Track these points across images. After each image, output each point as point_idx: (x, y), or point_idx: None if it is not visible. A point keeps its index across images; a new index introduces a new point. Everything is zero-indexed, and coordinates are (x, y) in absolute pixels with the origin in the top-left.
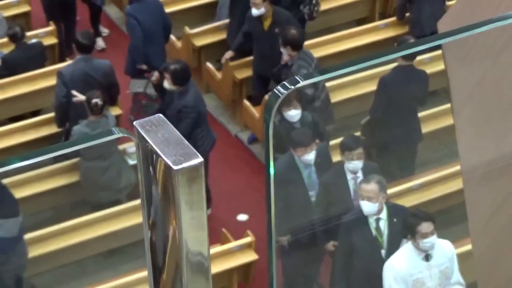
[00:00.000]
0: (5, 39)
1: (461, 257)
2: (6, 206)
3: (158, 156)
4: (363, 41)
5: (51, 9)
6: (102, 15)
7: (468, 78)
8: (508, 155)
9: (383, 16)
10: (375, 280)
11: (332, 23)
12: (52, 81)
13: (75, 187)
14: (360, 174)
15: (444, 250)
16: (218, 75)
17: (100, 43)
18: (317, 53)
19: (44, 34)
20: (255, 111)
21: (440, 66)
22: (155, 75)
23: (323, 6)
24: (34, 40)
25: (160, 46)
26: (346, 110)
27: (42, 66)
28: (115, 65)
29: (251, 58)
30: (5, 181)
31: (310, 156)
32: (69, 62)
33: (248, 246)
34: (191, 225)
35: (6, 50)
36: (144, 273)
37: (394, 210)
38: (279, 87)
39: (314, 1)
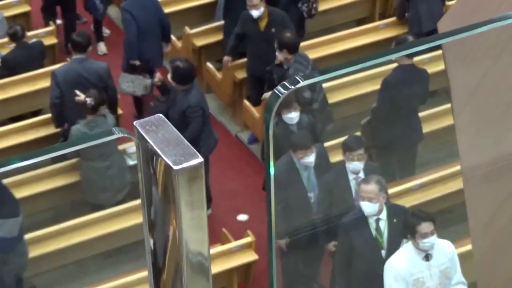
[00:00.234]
0: (5, 39)
1: (462, 257)
2: (7, 206)
3: (158, 156)
4: (363, 41)
5: (49, 6)
6: None
7: (469, 78)
8: (508, 155)
9: (383, 16)
10: (376, 280)
11: (332, 23)
12: None
13: (75, 187)
14: (362, 175)
15: (445, 250)
16: (218, 75)
17: (101, 48)
18: (317, 53)
19: (44, 34)
20: (255, 111)
21: (440, 66)
22: (158, 76)
23: (323, 6)
24: (34, 40)
25: (155, 42)
26: (346, 110)
27: (42, 65)
28: (114, 66)
29: None
30: (6, 181)
31: (310, 158)
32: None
33: (248, 246)
34: (191, 225)
35: (6, 51)
36: (144, 273)
37: (394, 210)
38: (279, 87)
39: None
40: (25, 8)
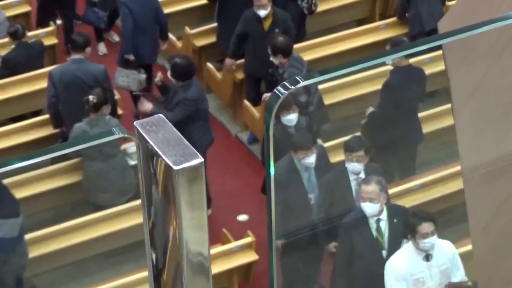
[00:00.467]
0: (6, 39)
1: (462, 258)
2: (7, 206)
3: (158, 156)
4: (363, 41)
5: (47, 6)
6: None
7: (469, 78)
8: (508, 155)
9: (383, 16)
10: (377, 280)
11: (332, 24)
12: None
13: (75, 187)
14: (362, 175)
15: (445, 250)
16: (219, 75)
17: (102, 48)
18: (318, 53)
19: (44, 34)
20: (255, 111)
21: (440, 66)
22: (159, 75)
23: (324, 7)
24: (34, 40)
25: (150, 39)
26: (347, 110)
27: (43, 64)
28: (113, 67)
29: None
30: (6, 181)
31: (311, 159)
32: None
33: (248, 246)
34: (191, 225)
35: (6, 51)
36: (144, 273)
37: (394, 211)
38: (279, 88)
39: None
40: (25, 8)
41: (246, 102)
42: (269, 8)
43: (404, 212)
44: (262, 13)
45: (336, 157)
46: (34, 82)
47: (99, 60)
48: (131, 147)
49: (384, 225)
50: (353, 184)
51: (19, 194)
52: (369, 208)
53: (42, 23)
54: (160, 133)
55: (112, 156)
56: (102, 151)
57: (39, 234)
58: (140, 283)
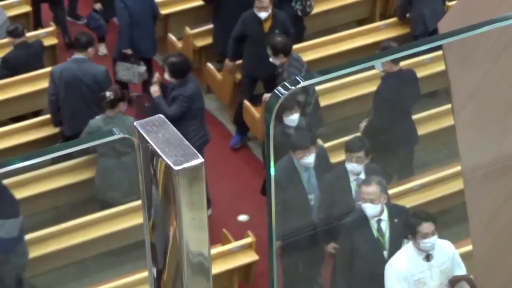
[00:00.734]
0: (6, 39)
1: (462, 258)
2: (7, 206)
3: (158, 156)
4: (364, 41)
5: (36, 4)
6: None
7: (469, 79)
8: (509, 155)
9: (383, 16)
10: (378, 281)
11: (332, 24)
12: None
13: (76, 187)
14: (363, 176)
15: (445, 250)
16: (219, 75)
17: (102, 49)
18: (318, 53)
19: (44, 35)
20: (255, 111)
21: (440, 67)
22: (156, 76)
23: (324, 7)
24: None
25: (147, 32)
26: (347, 110)
27: (43, 64)
28: (110, 66)
29: None
30: (6, 181)
31: (309, 159)
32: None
33: (248, 246)
34: (191, 226)
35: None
36: (145, 274)
37: (395, 211)
38: (279, 88)
39: None
40: (26, 8)
41: (246, 102)
42: (270, 10)
43: (405, 212)
44: (263, 15)
45: (336, 158)
46: (34, 82)
47: (99, 61)
48: None
49: (385, 225)
50: (353, 184)
51: (20, 194)
52: (370, 209)
53: (37, 22)
54: (160, 133)
55: (125, 154)
56: (116, 149)
57: (40, 234)
58: (140, 283)
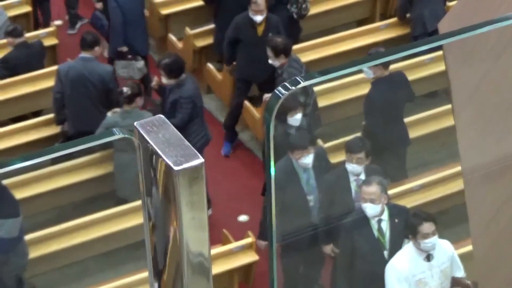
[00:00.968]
0: (5, 40)
1: (462, 258)
2: (6, 206)
3: (158, 156)
4: (364, 42)
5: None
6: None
7: (469, 79)
8: (509, 155)
9: (384, 17)
10: (379, 281)
11: (332, 24)
12: (53, 82)
13: (77, 187)
14: (363, 176)
15: (445, 249)
16: (219, 75)
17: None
18: (318, 54)
19: (45, 35)
20: (256, 112)
21: (441, 67)
22: (155, 80)
23: (324, 7)
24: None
25: (140, 30)
26: (346, 111)
27: (43, 65)
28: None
29: None
30: (7, 181)
31: (308, 159)
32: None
33: (248, 246)
34: (192, 226)
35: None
36: (145, 274)
37: (395, 211)
38: (280, 88)
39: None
40: (26, 8)
41: (247, 102)
42: (265, 14)
43: (405, 212)
44: (259, 18)
45: (336, 158)
46: (34, 83)
47: (104, 60)
48: None
49: (385, 225)
50: (353, 185)
51: (20, 194)
52: (370, 209)
53: (37, 22)
54: (160, 133)
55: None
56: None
57: (40, 234)
58: (140, 283)
